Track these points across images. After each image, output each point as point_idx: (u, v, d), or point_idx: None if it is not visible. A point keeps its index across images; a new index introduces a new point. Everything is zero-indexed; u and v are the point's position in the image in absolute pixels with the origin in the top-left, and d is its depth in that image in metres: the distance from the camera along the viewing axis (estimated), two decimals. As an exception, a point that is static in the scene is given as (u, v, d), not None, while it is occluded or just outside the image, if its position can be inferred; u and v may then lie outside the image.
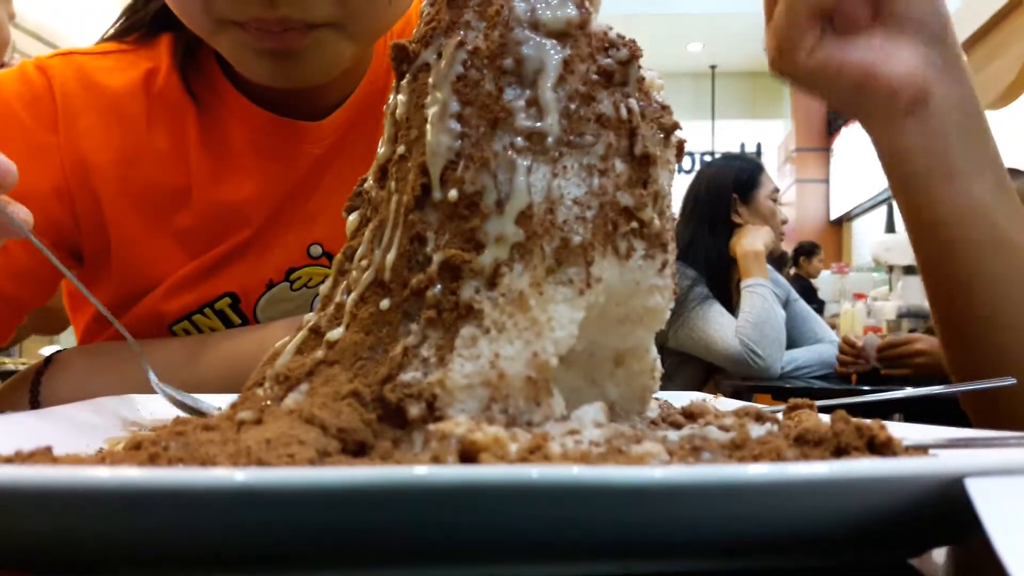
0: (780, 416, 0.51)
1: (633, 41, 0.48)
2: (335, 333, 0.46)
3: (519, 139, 0.44)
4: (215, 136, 0.91)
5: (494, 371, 0.42)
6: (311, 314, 0.51)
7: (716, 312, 2.53)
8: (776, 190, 2.73)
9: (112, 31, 0.97)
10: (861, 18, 0.73)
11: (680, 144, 0.50)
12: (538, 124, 0.44)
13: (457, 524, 0.29)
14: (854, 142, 8.24)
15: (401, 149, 0.48)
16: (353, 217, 0.52)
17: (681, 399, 0.61)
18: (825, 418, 0.45)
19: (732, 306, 2.60)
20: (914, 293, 2.79)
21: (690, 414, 0.51)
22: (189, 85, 0.90)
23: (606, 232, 0.45)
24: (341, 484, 0.27)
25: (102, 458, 0.38)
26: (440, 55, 0.46)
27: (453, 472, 0.29)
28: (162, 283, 0.90)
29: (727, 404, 0.60)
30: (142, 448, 0.36)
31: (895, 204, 0.78)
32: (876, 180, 7.18)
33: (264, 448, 0.35)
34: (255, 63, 0.79)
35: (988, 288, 0.72)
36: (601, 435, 0.41)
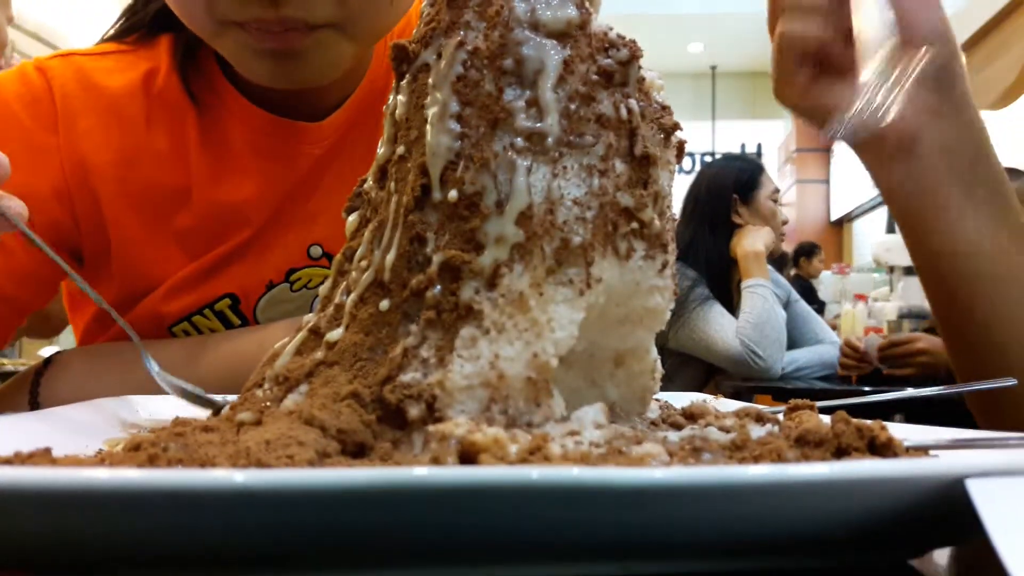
0: (781, 417, 0.51)
1: (633, 41, 0.48)
2: (335, 334, 0.46)
3: (519, 139, 0.44)
4: (215, 137, 0.91)
5: (494, 372, 0.42)
6: (311, 315, 0.51)
7: (717, 313, 2.53)
8: (776, 191, 2.72)
9: (112, 32, 0.97)
10: (848, 61, 0.72)
11: (680, 144, 0.50)
12: (538, 124, 0.44)
13: (457, 525, 0.29)
14: (854, 143, 8.21)
15: (401, 150, 0.48)
16: (353, 218, 0.52)
17: (681, 400, 0.61)
18: (826, 419, 0.45)
19: (733, 307, 2.60)
20: (915, 293, 2.79)
21: (690, 415, 0.51)
22: (189, 86, 0.90)
23: (606, 233, 0.45)
24: (341, 485, 0.27)
25: (101, 459, 0.38)
26: (440, 55, 0.46)
27: (453, 473, 0.28)
28: (162, 284, 0.90)
29: (727, 405, 0.60)
30: (141, 449, 0.36)
31: None
32: (876, 181, 7.15)
33: (263, 449, 0.35)
34: (256, 64, 0.79)
35: (989, 310, 0.72)
36: (601, 436, 0.41)
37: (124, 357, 0.85)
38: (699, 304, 2.52)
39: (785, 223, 2.77)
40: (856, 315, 3.23)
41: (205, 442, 0.38)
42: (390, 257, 0.46)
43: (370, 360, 0.44)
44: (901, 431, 0.47)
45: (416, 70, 0.48)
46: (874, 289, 4.85)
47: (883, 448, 0.38)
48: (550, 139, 0.44)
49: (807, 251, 6.68)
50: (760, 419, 0.49)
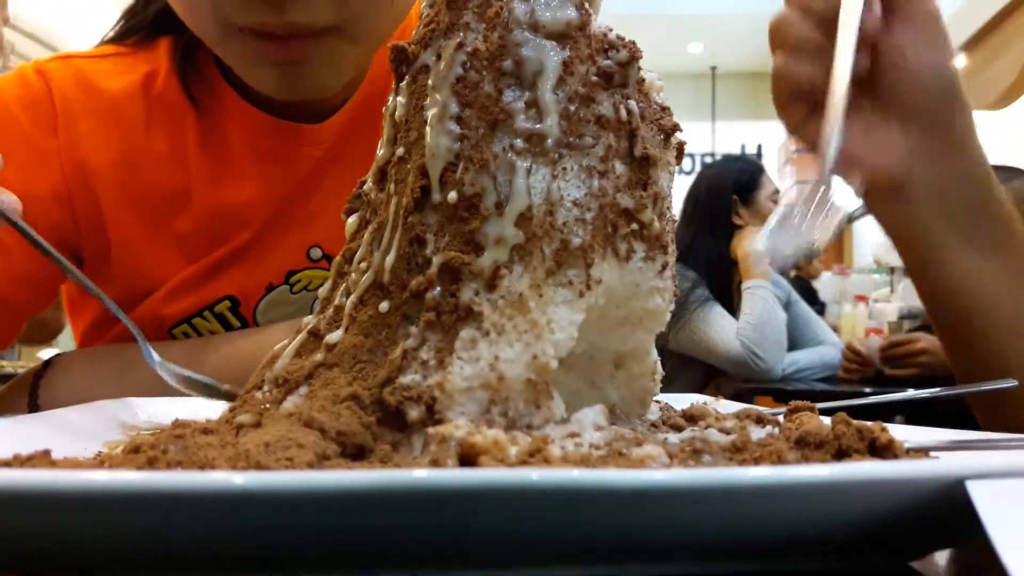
0: (781, 419, 0.51)
1: (633, 42, 0.48)
2: (334, 336, 0.46)
3: (519, 141, 0.44)
4: (214, 139, 0.91)
5: (494, 374, 0.42)
6: (310, 317, 0.51)
7: (717, 314, 2.53)
8: (777, 191, 2.72)
9: (111, 34, 0.97)
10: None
11: (680, 145, 0.50)
12: (538, 126, 0.44)
13: (457, 528, 0.29)
14: (854, 143, 8.21)
15: (400, 151, 0.48)
16: (352, 219, 0.52)
17: (682, 401, 0.61)
18: (826, 420, 0.45)
19: (733, 308, 2.60)
20: (915, 294, 2.79)
21: (691, 416, 0.51)
22: (188, 88, 0.90)
23: (606, 234, 0.45)
24: (340, 488, 0.27)
25: (101, 461, 0.38)
26: (439, 57, 0.46)
27: (453, 475, 0.28)
28: (162, 286, 0.90)
29: (728, 406, 0.60)
30: (141, 452, 0.36)
31: None
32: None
33: (263, 452, 0.35)
34: (262, 75, 0.79)
35: (988, 344, 0.72)
36: (601, 438, 0.41)
37: (124, 359, 0.85)
38: (699, 305, 2.52)
39: (785, 224, 2.76)
40: (857, 317, 3.23)
41: (204, 444, 0.38)
42: (390, 259, 0.46)
43: (370, 362, 0.44)
44: (901, 432, 0.46)
45: (416, 71, 0.48)
46: (875, 290, 4.85)
47: (883, 450, 0.38)
48: (550, 140, 0.44)
49: (807, 252, 6.67)
50: (760, 421, 0.49)
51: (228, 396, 0.63)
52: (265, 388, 0.47)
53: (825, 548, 0.33)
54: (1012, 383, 0.59)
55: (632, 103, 0.47)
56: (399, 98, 0.49)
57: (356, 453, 0.40)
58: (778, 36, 0.74)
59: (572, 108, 0.45)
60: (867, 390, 2.29)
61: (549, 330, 0.43)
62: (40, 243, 0.60)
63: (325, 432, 0.39)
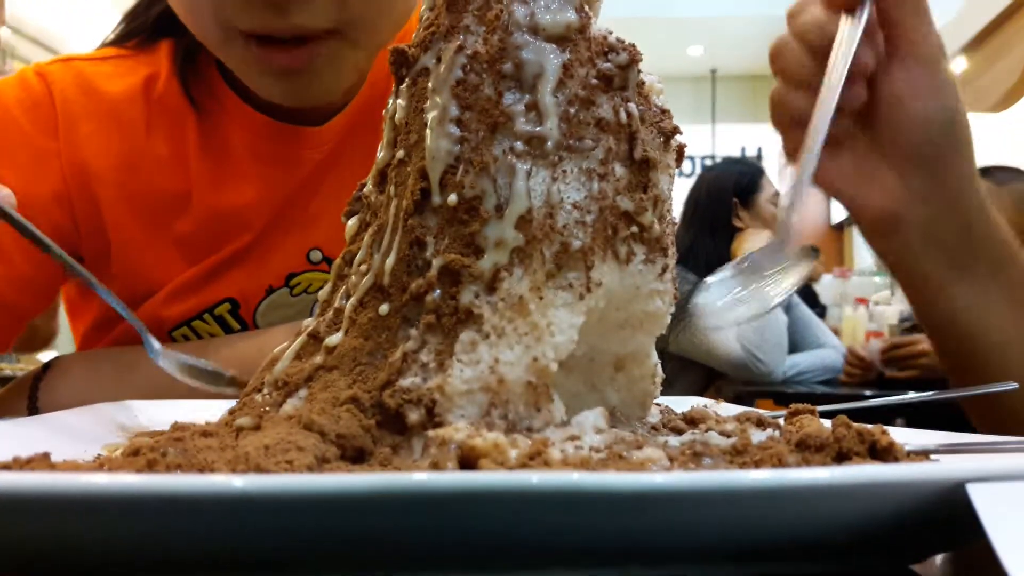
0: (782, 421, 0.51)
1: (633, 45, 0.48)
2: (334, 338, 0.46)
3: (519, 143, 0.44)
4: (215, 141, 0.91)
5: (494, 376, 0.42)
6: (310, 319, 0.51)
7: (717, 316, 2.53)
8: (777, 194, 2.73)
9: (112, 36, 0.97)
10: (841, 133, 0.71)
11: (680, 148, 0.50)
12: (538, 128, 0.44)
13: (457, 531, 0.29)
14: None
15: (400, 153, 0.48)
16: (352, 222, 0.52)
17: (682, 404, 0.61)
18: (827, 423, 0.45)
19: (733, 310, 2.59)
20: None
21: (691, 419, 0.51)
22: (189, 91, 0.90)
23: (606, 236, 0.45)
24: (340, 491, 0.27)
25: (100, 464, 0.38)
26: (439, 59, 0.46)
27: (453, 478, 0.28)
28: (162, 288, 0.90)
29: (728, 409, 0.60)
30: (140, 454, 0.36)
31: None
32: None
33: (263, 454, 0.35)
34: (265, 82, 0.80)
35: (991, 370, 0.72)
36: (601, 441, 0.41)
37: (124, 362, 0.85)
38: (700, 308, 2.52)
39: (786, 226, 2.76)
40: (857, 319, 3.23)
41: (204, 447, 0.38)
42: (390, 261, 0.46)
43: (369, 365, 0.44)
44: (902, 435, 0.46)
45: (416, 74, 0.48)
46: (875, 293, 4.84)
47: (884, 452, 0.38)
48: (550, 143, 0.44)
49: (807, 254, 6.67)
50: (761, 424, 0.49)
51: (232, 382, 0.62)
52: (265, 391, 0.47)
53: (826, 551, 0.33)
54: (1012, 386, 0.59)
55: (632, 106, 0.47)
56: (399, 101, 0.49)
57: (356, 456, 0.40)
58: (778, 60, 0.73)
59: (572, 111, 0.45)
60: (868, 393, 2.29)
61: (549, 333, 0.43)
62: (35, 233, 0.59)
63: (325, 435, 0.38)
